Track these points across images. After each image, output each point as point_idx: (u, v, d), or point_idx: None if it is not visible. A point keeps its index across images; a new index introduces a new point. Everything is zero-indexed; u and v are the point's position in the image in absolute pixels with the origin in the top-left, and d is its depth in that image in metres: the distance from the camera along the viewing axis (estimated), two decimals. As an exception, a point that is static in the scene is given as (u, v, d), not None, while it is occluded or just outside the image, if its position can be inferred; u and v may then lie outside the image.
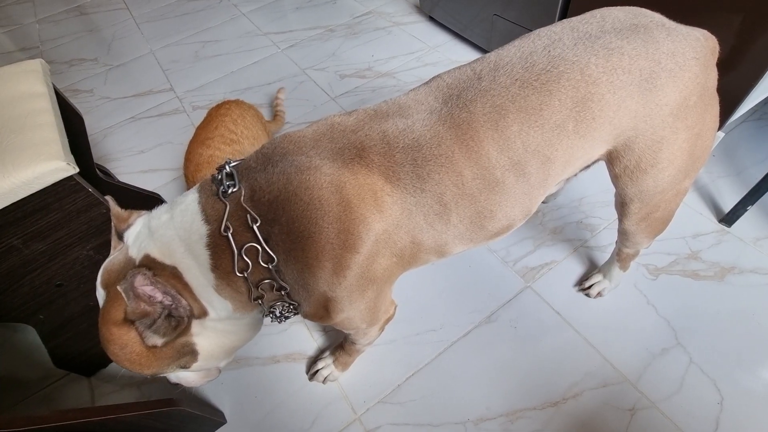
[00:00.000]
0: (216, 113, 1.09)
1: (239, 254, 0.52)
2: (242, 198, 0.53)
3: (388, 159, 0.54)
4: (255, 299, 0.56)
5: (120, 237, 0.58)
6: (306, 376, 0.95)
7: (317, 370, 0.93)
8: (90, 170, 1.10)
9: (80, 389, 1.01)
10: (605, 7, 0.61)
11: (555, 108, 0.54)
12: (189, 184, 0.99)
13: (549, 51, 0.56)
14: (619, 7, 0.61)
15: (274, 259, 0.53)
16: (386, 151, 0.54)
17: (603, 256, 1.06)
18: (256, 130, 1.12)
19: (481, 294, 1.03)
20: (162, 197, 1.28)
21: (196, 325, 0.56)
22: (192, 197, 0.56)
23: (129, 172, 1.50)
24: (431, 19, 1.91)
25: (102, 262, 0.84)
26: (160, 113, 1.71)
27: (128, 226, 0.58)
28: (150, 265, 0.53)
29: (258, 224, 0.52)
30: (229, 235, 0.52)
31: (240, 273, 0.53)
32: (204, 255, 0.53)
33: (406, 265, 0.62)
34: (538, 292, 1.02)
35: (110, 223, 0.80)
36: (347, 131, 0.56)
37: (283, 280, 0.55)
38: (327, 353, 0.94)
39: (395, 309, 0.77)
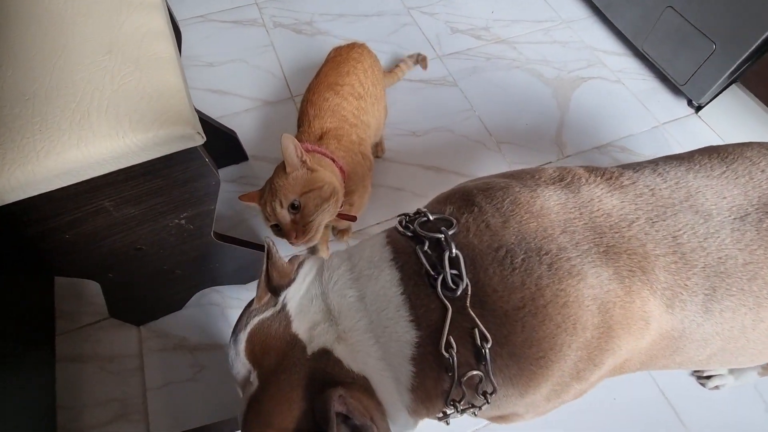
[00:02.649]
0: (348, 56, 0.89)
1: (459, 383, 0.38)
2: (468, 301, 0.38)
3: (680, 282, 0.38)
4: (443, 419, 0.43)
5: (274, 291, 0.44)
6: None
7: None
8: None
9: (128, 337, 0.92)
10: None
11: None
12: (304, 129, 0.83)
13: None
14: None
15: (495, 389, 0.39)
16: (679, 270, 0.38)
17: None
18: (379, 90, 0.94)
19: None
20: (237, 136, 1.10)
21: None
22: (389, 276, 0.40)
23: (195, 87, 1.29)
24: (569, -18, 1.59)
25: (191, 232, 0.71)
26: (236, 20, 1.46)
27: (289, 282, 0.43)
28: (334, 372, 0.39)
29: (489, 346, 0.37)
30: (453, 354, 0.37)
31: (451, 404, 0.40)
32: (405, 370, 0.39)
33: None
34: (645, 363, 0.91)
35: (211, 195, 0.66)
36: (617, 220, 0.40)
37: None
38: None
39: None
